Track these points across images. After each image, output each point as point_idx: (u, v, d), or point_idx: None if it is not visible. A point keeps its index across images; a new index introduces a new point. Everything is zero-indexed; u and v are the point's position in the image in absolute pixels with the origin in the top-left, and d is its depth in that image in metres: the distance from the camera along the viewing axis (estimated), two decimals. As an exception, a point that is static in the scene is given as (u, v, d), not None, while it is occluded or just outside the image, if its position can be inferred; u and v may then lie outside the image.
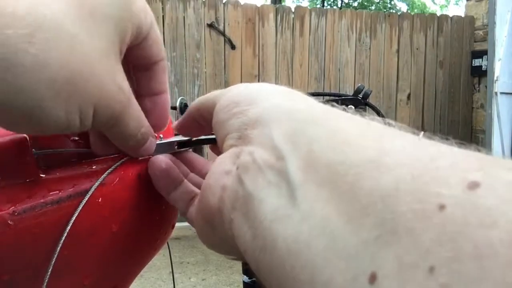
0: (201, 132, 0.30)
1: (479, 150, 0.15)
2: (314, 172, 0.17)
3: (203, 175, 0.31)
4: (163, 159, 0.29)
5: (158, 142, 0.30)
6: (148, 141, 0.28)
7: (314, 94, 1.40)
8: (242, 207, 0.20)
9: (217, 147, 0.27)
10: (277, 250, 0.17)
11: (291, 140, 0.19)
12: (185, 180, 0.29)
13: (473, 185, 0.13)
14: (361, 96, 1.27)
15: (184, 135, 0.31)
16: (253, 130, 0.22)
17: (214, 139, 0.28)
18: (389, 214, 0.14)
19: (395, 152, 0.16)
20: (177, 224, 0.34)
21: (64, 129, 0.23)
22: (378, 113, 1.27)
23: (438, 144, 0.16)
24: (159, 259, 2.50)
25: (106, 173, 0.27)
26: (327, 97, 1.44)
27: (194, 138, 0.33)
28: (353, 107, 1.18)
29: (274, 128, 0.20)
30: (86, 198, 0.26)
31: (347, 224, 0.15)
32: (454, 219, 0.12)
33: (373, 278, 0.13)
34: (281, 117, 0.21)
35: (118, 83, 0.24)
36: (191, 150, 0.32)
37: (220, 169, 0.22)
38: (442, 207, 0.13)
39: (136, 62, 0.27)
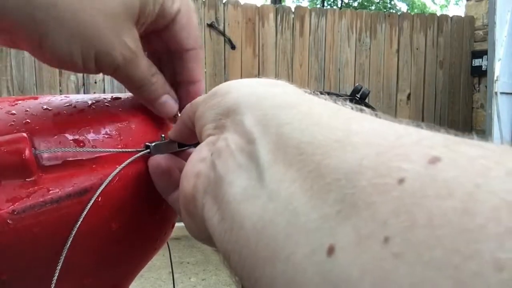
0: (195, 137, 0.30)
1: (448, 133, 0.16)
2: (283, 153, 0.18)
3: None
4: (163, 159, 0.29)
5: (159, 142, 0.30)
6: (165, 96, 0.30)
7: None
8: (212, 190, 0.20)
9: None
10: (243, 229, 0.17)
11: (262, 123, 0.20)
12: None
13: (434, 160, 0.13)
14: (359, 96, 1.26)
15: (180, 141, 0.31)
16: (227, 119, 0.22)
17: None
18: (351, 189, 0.14)
19: (363, 132, 0.16)
20: (177, 224, 0.34)
21: (69, 64, 0.26)
22: (375, 115, 1.26)
23: (407, 126, 0.16)
24: (159, 259, 2.50)
25: (117, 169, 0.27)
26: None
27: None
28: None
29: (246, 114, 0.21)
30: (94, 197, 0.26)
31: (310, 201, 0.15)
32: (412, 192, 0.13)
33: (331, 251, 0.13)
34: (253, 104, 0.21)
35: (123, 39, 0.27)
36: (193, 148, 0.32)
37: (196, 157, 0.23)
38: (401, 180, 0.13)
39: (168, 47, 0.30)
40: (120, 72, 0.28)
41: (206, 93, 0.27)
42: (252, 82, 0.24)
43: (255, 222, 0.17)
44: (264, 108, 0.21)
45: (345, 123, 0.17)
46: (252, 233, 0.17)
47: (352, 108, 0.20)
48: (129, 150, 0.29)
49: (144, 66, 0.29)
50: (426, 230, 0.12)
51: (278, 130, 0.19)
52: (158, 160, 0.29)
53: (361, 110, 0.20)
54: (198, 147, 0.23)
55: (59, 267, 0.25)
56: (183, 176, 0.23)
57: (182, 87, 0.32)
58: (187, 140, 0.30)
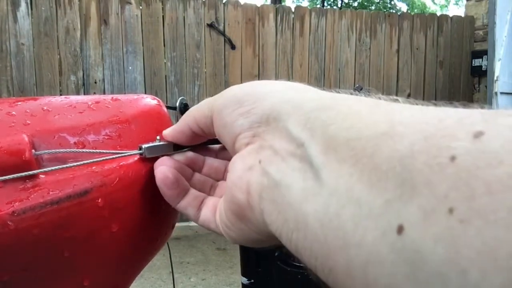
0: (196, 140, 0.30)
1: (482, 108, 0.17)
2: (334, 152, 0.19)
3: (206, 174, 0.31)
4: (169, 170, 0.29)
5: (155, 144, 0.30)
6: None
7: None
8: (269, 196, 0.21)
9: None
10: (310, 226, 0.19)
11: (307, 127, 0.21)
12: (191, 188, 0.30)
13: (478, 134, 0.14)
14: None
15: (177, 143, 0.30)
16: (267, 126, 0.23)
17: (215, 140, 0.28)
18: (407, 173, 0.15)
19: (405, 121, 0.17)
20: (177, 224, 0.34)
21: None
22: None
23: (444, 108, 0.18)
24: (159, 259, 2.49)
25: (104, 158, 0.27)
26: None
27: None
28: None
29: (289, 120, 0.22)
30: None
31: (371, 190, 0.17)
32: (466, 166, 0.14)
33: (400, 229, 0.15)
34: (293, 109, 0.22)
35: None
36: (189, 150, 0.32)
37: (242, 166, 0.23)
38: (453, 158, 0.14)
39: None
40: None
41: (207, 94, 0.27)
42: (282, 87, 0.24)
43: (321, 217, 0.18)
44: (305, 113, 0.21)
45: (386, 116, 0.18)
46: (320, 228, 0.18)
47: (385, 100, 0.21)
48: (124, 152, 0.29)
49: None
50: (486, 196, 0.13)
51: (324, 131, 0.20)
52: (165, 171, 0.28)
53: (396, 100, 0.21)
54: (240, 156, 0.24)
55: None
56: (231, 186, 0.24)
57: None
58: (185, 143, 0.30)
